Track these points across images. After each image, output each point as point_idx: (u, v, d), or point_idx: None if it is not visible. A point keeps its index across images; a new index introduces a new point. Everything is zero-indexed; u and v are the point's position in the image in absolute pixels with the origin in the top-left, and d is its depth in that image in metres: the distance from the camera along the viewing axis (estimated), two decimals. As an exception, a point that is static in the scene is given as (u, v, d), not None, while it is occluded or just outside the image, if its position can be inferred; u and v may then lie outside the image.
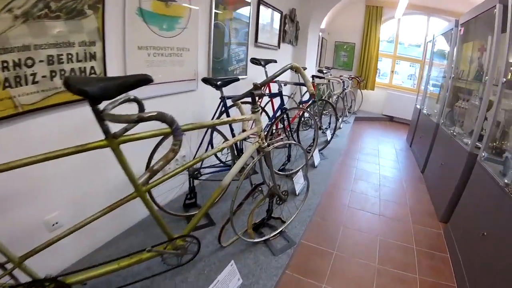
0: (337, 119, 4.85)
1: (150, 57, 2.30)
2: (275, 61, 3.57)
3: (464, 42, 4.04)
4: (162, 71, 2.45)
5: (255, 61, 3.39)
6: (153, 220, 1.58)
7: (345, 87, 6.44)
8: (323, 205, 3.36)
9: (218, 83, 2.46)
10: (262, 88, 1.80)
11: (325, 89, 5.87)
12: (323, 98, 5.66)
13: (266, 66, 3.46)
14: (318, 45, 7.49)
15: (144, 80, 1.23)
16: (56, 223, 1.81)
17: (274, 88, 3.92)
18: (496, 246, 2.09)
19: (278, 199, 2.45)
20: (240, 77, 3.57)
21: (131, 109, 1.47)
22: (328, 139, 4.84)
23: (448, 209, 3.27)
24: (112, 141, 1.26)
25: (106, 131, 1.22)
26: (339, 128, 6.22)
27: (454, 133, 3.54)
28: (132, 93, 1.41)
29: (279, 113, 3.26)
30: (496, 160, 2.66)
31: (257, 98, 1.77)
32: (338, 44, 8.80)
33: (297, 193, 3.19)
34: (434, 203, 3.72)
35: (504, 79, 2.50)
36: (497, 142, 2.74)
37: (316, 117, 4.37)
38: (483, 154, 2.69)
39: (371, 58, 8.43)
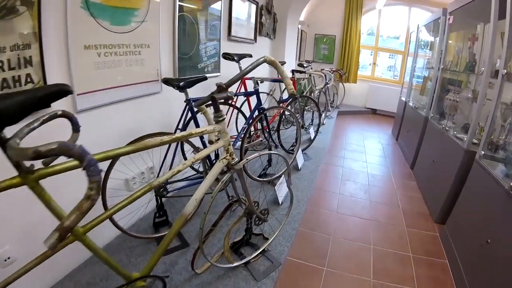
0: (320, 115, 4.56)
1: (100, 57, 1.93)
2: (250, 56, 3.23)
3: (452, 31, 3.80)
4: (117, 73, 2.08)
5: (228, 57, 3.04)
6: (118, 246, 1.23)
7: (327, 81, 6.17)
8: (310, 213, 3.06)
9: (181, 83, 2.08)
10: (229, 88, 1.45)
11: (306, 84, 5.58)
12: (304, 93, 5.37)
13: (240, 61, 3.13)
14: (298, 38, 7.18)
15: (59, 92, 0.90)
16: (8, 258, 1.57)
17: (251, 86, 3.60)
18: (503, 255, 1.86)
19: (256, 219, 2.12)
20: (212, 74, 3.24)
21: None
22: (312, 137, 4.55)
23: (443, 210, 3.05)
24: (27, 177, 0.92)
25: (16, 165, 0.88)
26: (323, 124, 5.94)
27: (446, 128, 3.30)
28: (70, 103, 1.05)
29: (256, 113, 2.94)
30: (495, 157, 2.43)
31: (223, 102, 1.43)
32: (318, 37, 8.52)
33: (280, 202, 2.88)
34: (427, 203, 3.48)
35: (505, 71, 2.24)
36: (496, 139, 2.50)
37: (298, 115, 4.06)
38: (482, 152, 2.44)
39: (353, 51, 8.18)
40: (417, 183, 4.01)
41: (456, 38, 3.94)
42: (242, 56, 3.12)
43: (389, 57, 9.56)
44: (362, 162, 4.63)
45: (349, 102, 8.64)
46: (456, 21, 3.63)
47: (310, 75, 5.29)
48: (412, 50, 5.92)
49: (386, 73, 9.50)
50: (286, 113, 4.42)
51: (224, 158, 1.58)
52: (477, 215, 2.34)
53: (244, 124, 2.81)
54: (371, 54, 9.00)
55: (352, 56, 8.22)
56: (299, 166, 3.70)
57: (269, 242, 2.30)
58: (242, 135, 2.79)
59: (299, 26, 7.11)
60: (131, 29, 2.15)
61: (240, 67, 3.19)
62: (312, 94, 5.25)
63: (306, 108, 5.22)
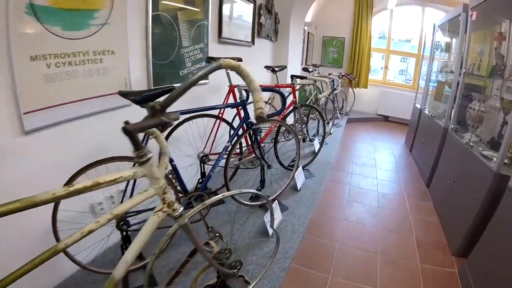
0: (325, 126, 4.09)
1: (50, 68, 1.58)
2: (240, 59, 2.80)
3: (476, 30, 3.30)
4: (73, 86, 1.73)
5: (212, 61, 2.62)
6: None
7: (334, 87, 5.71)
8: (307, 246, 2.60)
9: (138, 97, 1.66)
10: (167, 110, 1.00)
11: (311, 90, 5.12)
12: (308, 102, 4.90)
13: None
14: (304, 41, 6.73)
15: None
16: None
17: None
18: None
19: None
20: (200, 82, 2.82)
21: None
22: (316, 149, 4.09)
23: (465, 241, 2.58)
24: None
25: None
26: (330, 134, 5.48)
27: (471, 144, 2.80)
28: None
29: (245, 129, 2.50)
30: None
31: (161, 129, 0.99)
32: (326, 40, 8.05)
33: (270, 233, 2.44)
34: (445, 230, 2.99)
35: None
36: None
37: (298, 127, 3.61)
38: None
39: (363, 54, 7.69)
40: (434, 204, 3.50)
41: (479, 38, 3.45)
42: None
43: (401, 61, 9.08)
44: (372, 178, 4.14)
45: (359, 109, 8.14)
46: (479, 18, 3.15)
47: (315, 81, 4.83)
48: (427, 52, 5.43)
49: (398, 77, 9.01)
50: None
51: (160, 210, 1.14)
52: (508, 252, 1.86)
53: (228, 142, 2.37)
54: (383, 58, 8.52)
55: (362, 60, 7.72)
56: (299, 186, 3.24)
57: (251, 287, 1.86)
58: (226, 156, 2.36)
59: (305, 27, 6.67)
60: (89, 33, 1.79)
61: (227, 73, 2.76)
62: (318, 102, 4.79)
63: (311, 116, 4.77)
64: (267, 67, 3.62)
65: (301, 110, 3.56)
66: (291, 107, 3.39)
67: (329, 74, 6.32)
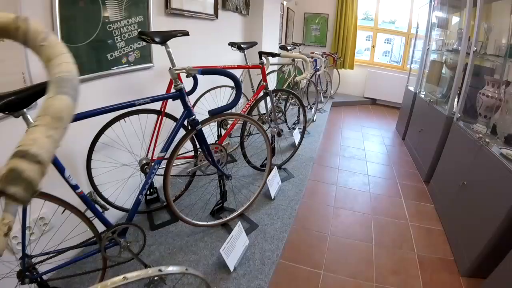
0: (306, 115, 3.42)
1: None
2: (185, 33, 2.10)
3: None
4: None
5: (145, 38, 1.91)
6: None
7: (317, 67, 5.05)
8: (282, 278, 1.99)
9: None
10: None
11: (290, 72, 4.45)
12: (286, 85, 4.24)
13: (166, 43, 2.01)
14: (282, 17, 6.01)
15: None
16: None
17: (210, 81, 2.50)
18: None
19: None
20: (138, 67, 2.16)
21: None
22: (296, 142, 3.46)
23: (479, 261, 2.06)
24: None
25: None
26: (313, 121, 4.85)
27: (486, 140, 2.21)
28: None
29: (185, 129, 1.84)
30: None
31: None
32: (308, 16, 7.31)
33: (231, 267, 1.82)
34: (452, 242, 2.44)
35: None
36: None
37: (270, 121, 2.95)
38: None
39: (348, 31, 7.01)
40: (435, 207, 2.95)
41: (487, 13, 2.86)
42: (167, 36, 1.98)
43: (385, 42, 8.50)
44: (362, 175, 3.54)
45: (345, 91, 7.52)
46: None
47: (293, 60, 4.15)
48: (421, 31, 4.82)
49: (382, 59, 8.40)
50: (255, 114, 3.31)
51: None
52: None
53: (162, 150, 1.69)
54: (367, 39, 7.88)
55: (348, 38, 7.05)
56: (272, 194, 2.61)
57: None
58: (167, 163, 1.70)
59: (284, 2, 5.94)
60: None
61: (168, 52, 2.07)
62: (297, 87, 4.13)
63: (291, 102, 4.11)
64: (231, 44, 2.93)
65: (275, 96, 2.91)
66: (261, 93, 2.72)
67: (311, 53, 5.67)
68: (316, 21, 7.28)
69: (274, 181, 2.66)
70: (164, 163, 1.74)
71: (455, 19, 4.04)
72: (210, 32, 3.20)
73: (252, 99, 2.62)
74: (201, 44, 3.06)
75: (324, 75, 6.20)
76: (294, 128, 3.94)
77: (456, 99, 3.05)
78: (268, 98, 2.77)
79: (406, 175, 3.65)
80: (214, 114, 1.51)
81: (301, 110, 3.94)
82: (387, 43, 8.58)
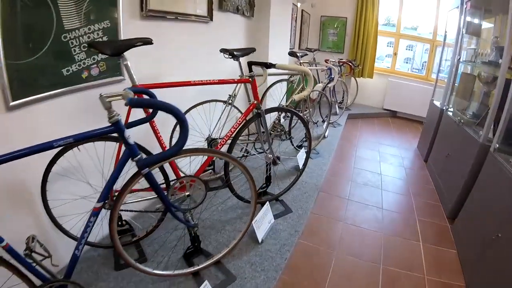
0: (310, 138, 2.86)
1: None
2: (148, 42, 1.66)
3: None
4: None
5: (94, 50, 1.48)
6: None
7: (331, 76, 4.53)
8: None
9: None
10: None
11: (300, 82, 3.95)
12: (289, 102, 3.71)
13: (122, 55, 1.58)
14: (296, 20, 5.52)
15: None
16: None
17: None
18: None
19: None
20: (104, 81, 1.74)
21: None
22: (300, 165, 2.97)
23: None
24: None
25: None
26: (324, 137, 4.33)
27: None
28: None
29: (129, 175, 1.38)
30: None
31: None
32: (325, 20, 6.79)
33: None
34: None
35: None
36: None
37: (265, 147, 2.46)
38: None
39: (369, 37, 6.44)
40: (459, 256, 2.40)
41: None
42: (122, 47, 1.54)
43: (407, 49, 7.95)
44: (375, 208, 3.00)
45: (363, 102, 6.96)
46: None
47: (288, 73, 3.64)
48: (449, 38, 4.26)
49: (403, 66, 7.85)
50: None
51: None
52: None
53: (100, 197, 1.24)
54: (388, 45, 7.30)
55: (367, 44, 6.48)
56: (260, 237, 2.12)
57: None
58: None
59: (298, 4, 5.45)
60: None
61: (126, 65, 1.63)
62: (304, 105, 3.63)
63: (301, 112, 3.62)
64: (223, 51, 2.46)
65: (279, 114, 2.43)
66: (250, 114, 2.23)
67: (325, 61, 5.16)
68: (334, 25, 6.75)
69: (264, 220, 2.18)
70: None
71: (488, 25, 3.46)
72: (202, 37, 2.75)
73: (239, 121, 2.14)
74: (190, 52, 2.61)
75: (340, 84, 5.67)
76: (301, 147, 3.45)
77: (493, 124, 2.50)
78: (260, 120, 2.29)
79: (427, 208, 3.09)
80: (145, 164, 1.06)
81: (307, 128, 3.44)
82: (409, 49, 8.02)
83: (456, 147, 3.13)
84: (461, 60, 3.70)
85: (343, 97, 6.14)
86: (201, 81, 1.98)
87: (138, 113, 1.67)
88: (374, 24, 6.39)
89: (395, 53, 6.93)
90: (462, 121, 3.09)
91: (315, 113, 4.38)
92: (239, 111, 2.87)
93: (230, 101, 2.66)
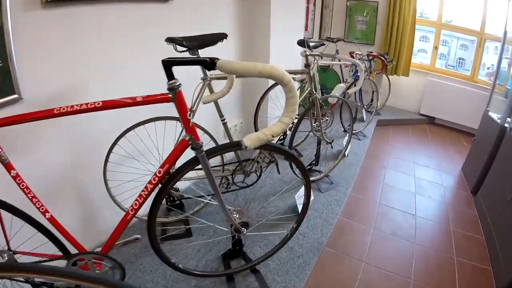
0: (308, 186, 1.84)
1: None
2: None
3: None
4: None
5: None
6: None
7: (356, 75, 3.52)
8: None
9: None
10: None
11: (307, 85, 2.96)
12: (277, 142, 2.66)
13: None
14: (314, 3, 4.50)
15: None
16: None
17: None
18: None
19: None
20: None
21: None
22: (300, 206, 2.03)
23: None
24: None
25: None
26: (345, 156, 3.34)
27: None
28: None
29: None
30: None
31: None
32: (352, 5, 5.63)
33: None
34: None
35: None
36: None
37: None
38: None
39: (405, 27, 5.26)
40: None
41: None
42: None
43: (442, 44, 6.85)
44: (402, 279, 2.03)
45: (395, 104, 5.84)
46: None
47: (307, 66, 2.58)
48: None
49: (437, 62, 6.71)
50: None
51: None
52: None
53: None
54: (421, 40, 6.14)
55: (403, 35, 5.32)
56: None
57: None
58: None
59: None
60: None
61: None
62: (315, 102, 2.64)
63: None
64: (168, 40, 1.56)
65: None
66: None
67: (350, 54, 4.14)
68: (364, 12, 5.61)
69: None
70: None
71: None
72: (155, 27, 1.84)
73: (165, 167, 1.23)
74: (131, 51, 1.73)
75: (370, 83, 4.59)
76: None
77: None
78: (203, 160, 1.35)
79: (473, 276, 2.10)
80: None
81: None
82: (443, 44, 6.94)
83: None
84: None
85: (372, 99, 5.07)
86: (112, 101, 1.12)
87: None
88: (412, 11, 5.22)
89: (435, 47, 5.77)
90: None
91: (331, 124, 3.39)
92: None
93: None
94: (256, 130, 3.02)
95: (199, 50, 1.67)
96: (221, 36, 1.72)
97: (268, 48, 2.82)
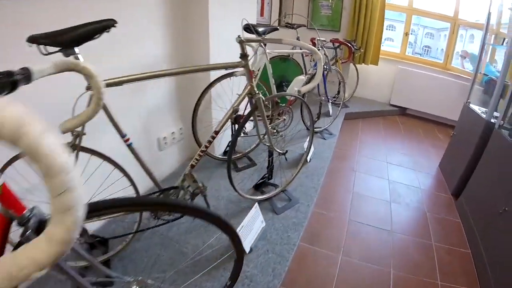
0: (238, 242, 1.36)
1: None
2: None
3: None
4: None
5: None
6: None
7: (313, 69, 3.02)
8: None
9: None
10: None
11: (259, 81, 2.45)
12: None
13: None
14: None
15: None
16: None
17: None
18: None
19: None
20: None
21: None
22: (247, 249, 1.53)
23: None
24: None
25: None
26: (307, 161, 2.85)
27: None
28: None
29: None
30: None
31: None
32: (316, -11, 5.16)
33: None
34: None
35: None
36: None
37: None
38: None
39: (373, 12, 4.83)
40: None
41: None
42: None
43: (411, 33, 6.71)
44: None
45: (364, 95, 5.45)
46: None
47: (244, 57, 2.04)
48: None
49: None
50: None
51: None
52: None
53: None
54: (387, 29, 5.85)
55: (372, 21, 4.89)
56: None
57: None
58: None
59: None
60: None
61: None
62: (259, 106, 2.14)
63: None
64: (30, 39, 1.01)
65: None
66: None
67: (312, 41, 3.68)
68: (329, -4, 5.12)
69: None
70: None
71: None
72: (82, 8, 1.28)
73: None
74: None
75: (336, 74, 4.11)
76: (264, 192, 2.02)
77: None
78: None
79: None
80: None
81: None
82: (410, 33, 6.76)
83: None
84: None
85: (338, 91, 4.63)
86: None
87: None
88: (381, -6, 4.80)
89: (406, 33, 5.37)
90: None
91: (289, 124, 2.91)
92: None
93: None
94: (196, 139, 2.46)
95: (75, 48, 1.12)
96: (106, 25, 1.16)
97: (207, 38, 2.27)
